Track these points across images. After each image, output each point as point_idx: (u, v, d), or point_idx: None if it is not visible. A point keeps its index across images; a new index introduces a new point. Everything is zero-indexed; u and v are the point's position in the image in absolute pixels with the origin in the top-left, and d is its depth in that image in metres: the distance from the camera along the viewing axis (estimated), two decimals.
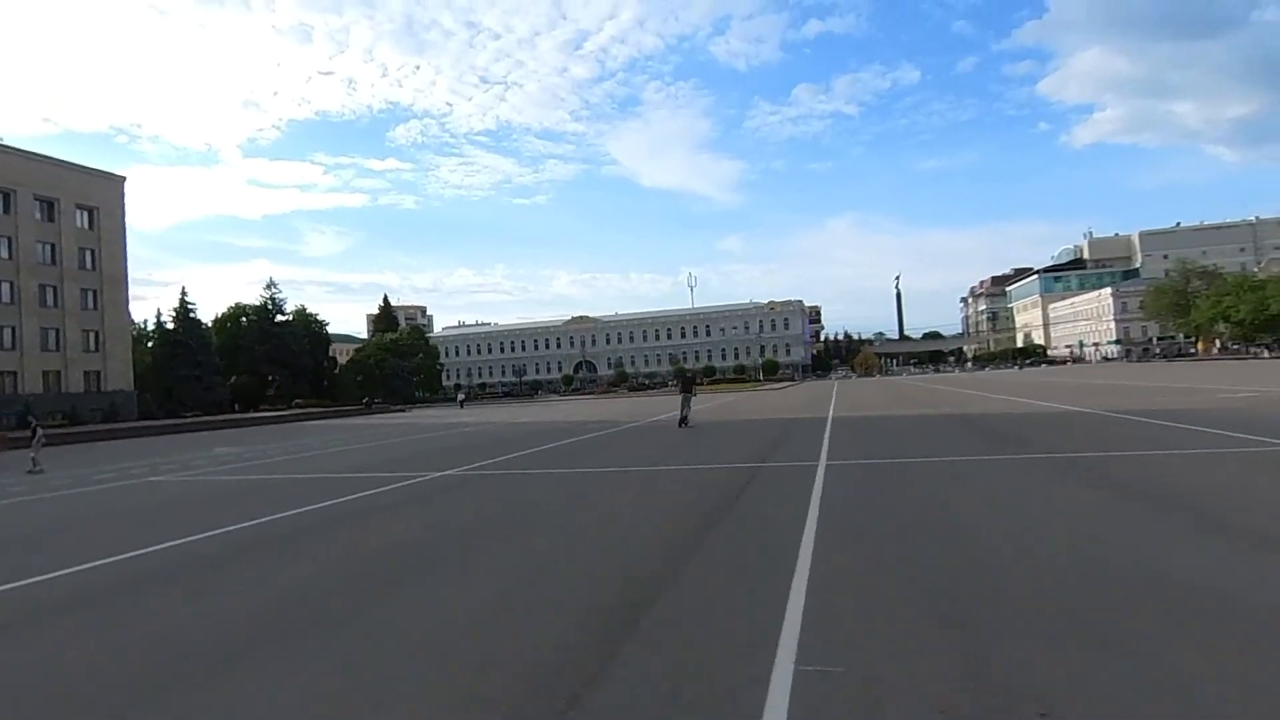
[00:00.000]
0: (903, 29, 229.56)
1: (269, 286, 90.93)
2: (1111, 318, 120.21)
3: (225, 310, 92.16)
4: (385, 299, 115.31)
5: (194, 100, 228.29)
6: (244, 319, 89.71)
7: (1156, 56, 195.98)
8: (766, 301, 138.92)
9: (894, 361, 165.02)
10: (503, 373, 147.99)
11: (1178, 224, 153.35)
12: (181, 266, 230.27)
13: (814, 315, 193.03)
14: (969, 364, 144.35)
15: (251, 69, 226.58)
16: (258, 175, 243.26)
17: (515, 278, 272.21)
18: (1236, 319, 64.42)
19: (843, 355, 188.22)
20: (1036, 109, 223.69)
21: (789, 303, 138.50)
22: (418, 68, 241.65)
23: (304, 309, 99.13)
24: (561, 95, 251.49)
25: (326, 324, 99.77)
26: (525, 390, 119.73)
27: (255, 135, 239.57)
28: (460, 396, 65.02)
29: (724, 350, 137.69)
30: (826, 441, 14.34)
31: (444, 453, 17.73)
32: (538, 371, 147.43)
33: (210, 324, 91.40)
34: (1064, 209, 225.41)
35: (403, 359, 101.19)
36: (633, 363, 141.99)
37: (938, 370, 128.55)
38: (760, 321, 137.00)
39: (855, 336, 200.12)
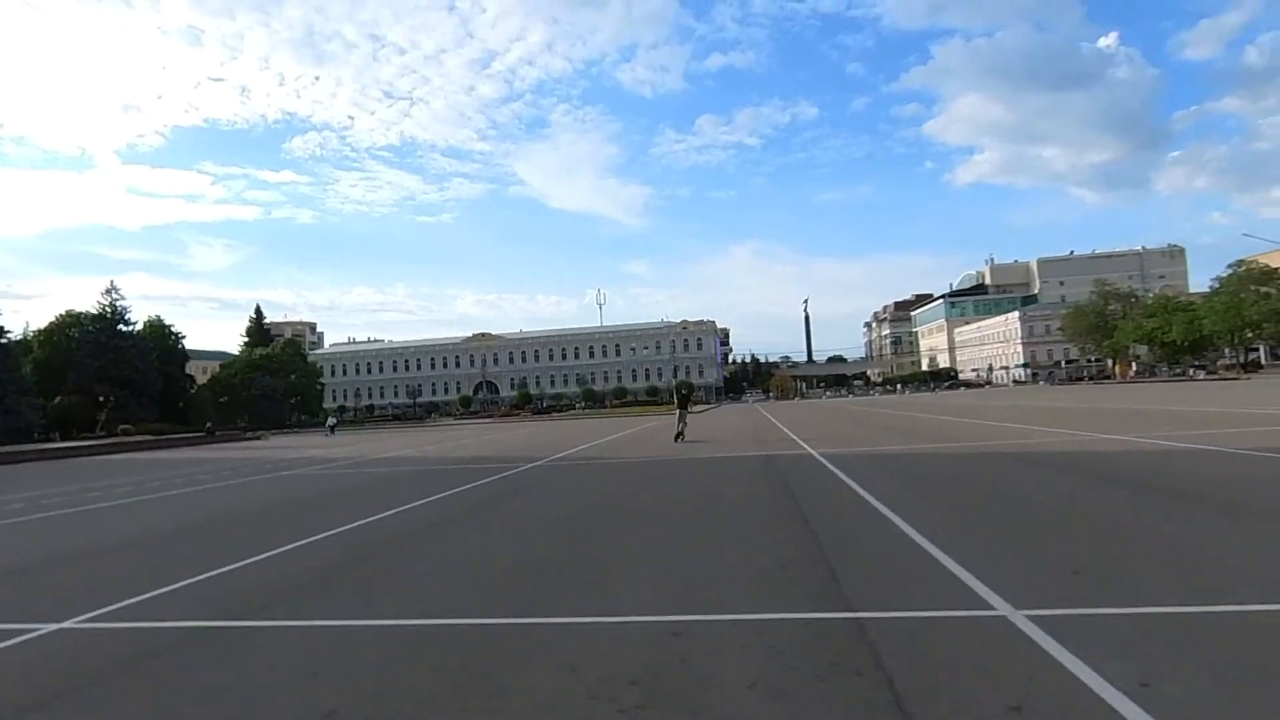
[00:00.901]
0: (801, 67, 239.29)
1: (108, 292, 77.19)
2: (1019, 341, 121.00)
3: (52, 320, 77.68)
4: (258, 310, 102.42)
5: (66, 101, 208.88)
6: (73, 330, 75.60)
7: (1027, 106, 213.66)
8: (679, 321, 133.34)
9: (804, 384, 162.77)
10: (396, 393, 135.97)
11: (1071, 252, 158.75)
12: (48, 277, 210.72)
13: (723, 337, 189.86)
14: (878, 387, 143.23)
15: (133, 71, 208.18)
16: (138, 183, 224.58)
17: (418, 297, 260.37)
18: (1167, 340, 63.12)
19: (751, 378, 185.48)
20: (923, 148, 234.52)
21: (702, 323, 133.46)
22: (317, 78, 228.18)
23: (159, 319, 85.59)
24: (468, 114, 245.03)
25: (183, 337, 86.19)
26: (419, 413, 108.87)
27: (136, 141, 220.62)
28: (330, 422, 54.94)
29: (635, 371, 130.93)
30: (916, 532, 6.82)
31: (176, 538, 9.30)
32: (435, 392, 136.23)
33: (35, 334, 77.16)
34: (949, 243, 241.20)
35: (275, 378, 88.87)
36: (538, 384, 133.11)
37: (850, 393, 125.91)
38: (673, 341, 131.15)
39: (763, 360, 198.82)
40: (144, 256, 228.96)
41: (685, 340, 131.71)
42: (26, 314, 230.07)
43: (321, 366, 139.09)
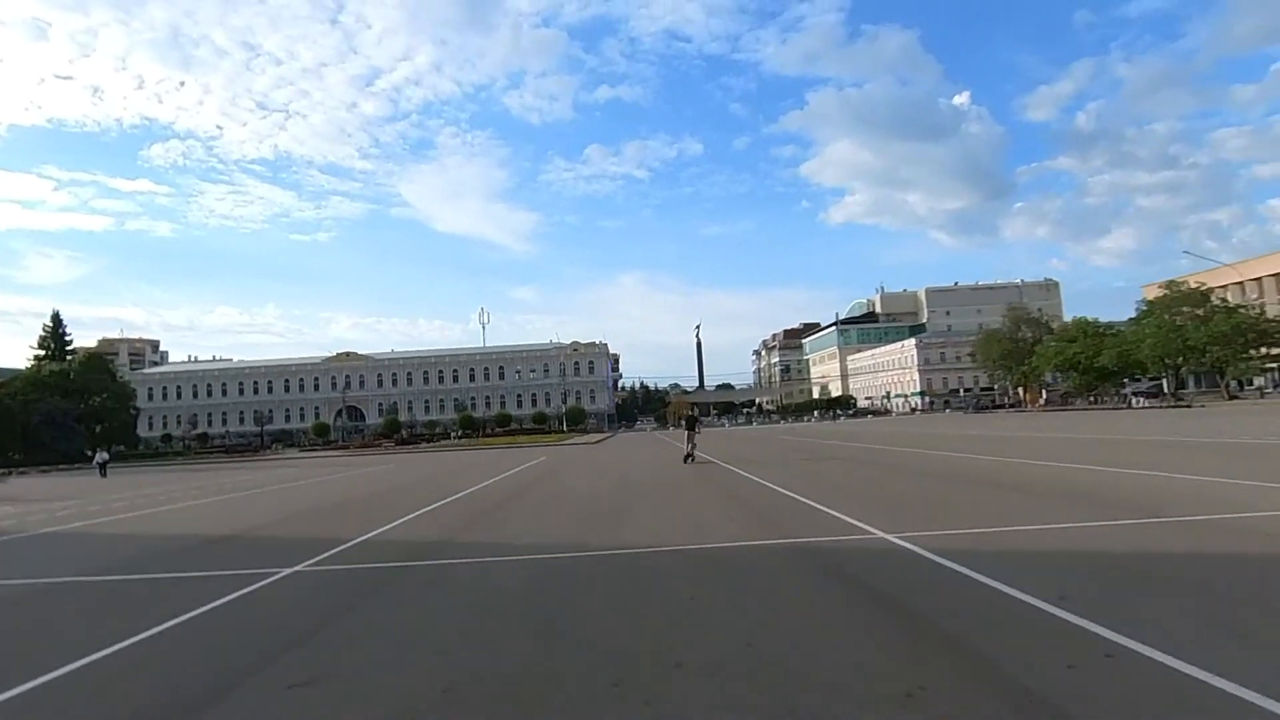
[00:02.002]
0: (686, 104, 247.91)
1: None
2: (916, 368, 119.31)
3: None
4: (55, 317, 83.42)
5: None
6: None
7: (893, 153, 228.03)
8: (569, 342, 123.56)
9: (697, 411, 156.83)
10: (243, 420, 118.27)
11: (956, 283, 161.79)
12: None
13: (614, 363, 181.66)
14: (773, 416, 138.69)
15: None
16: None
17: (289, 319, 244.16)
18: (1095, 365, 59.86)
19: (641, 406, 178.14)
20: (800, 188, 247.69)
21: (594, 345, 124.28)
22: (182, 83, 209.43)
23: None
24: (349, 131, 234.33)
25: None
26: (264, 443, 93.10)
27: None
28: (99, 459, 41.28)
29: (520, 396, 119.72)
30: None
31: None
32: (289, 419, 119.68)
33: None
34: (824, 278, 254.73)
35: (69, 400, 71.91)
36: (410, 409, 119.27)
37: (751, 420, 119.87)
38: (562, 364, 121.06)
39: (652, 387, 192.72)
40: None
41: (576, 363, 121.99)
42: None
43: (150, 390, 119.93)
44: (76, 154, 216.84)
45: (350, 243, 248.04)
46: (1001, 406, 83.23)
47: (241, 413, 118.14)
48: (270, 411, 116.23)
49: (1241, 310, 51.00)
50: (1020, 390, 76.64)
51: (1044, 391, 75.19)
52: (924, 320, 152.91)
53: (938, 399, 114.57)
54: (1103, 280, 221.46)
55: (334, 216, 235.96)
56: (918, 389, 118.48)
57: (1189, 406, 44.66)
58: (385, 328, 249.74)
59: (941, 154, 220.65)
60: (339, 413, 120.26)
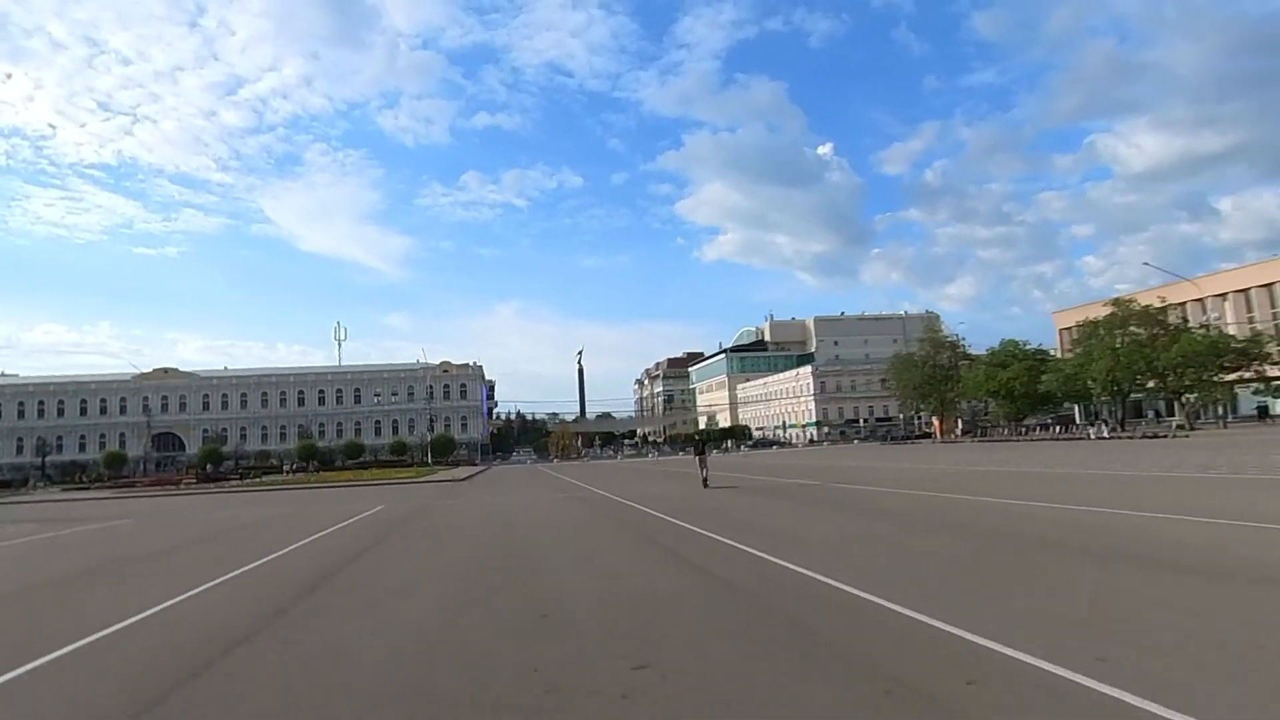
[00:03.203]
0: (567, 137, 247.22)
1: None
2: (811, 398, 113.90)
3: None
4: None
5: None
6: None
7: (762, 196, 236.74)
8: (439, 362, 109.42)
9: (580, 441, 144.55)
10: (19, 448, 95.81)
11: (842, 313, 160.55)
12: None
13: (489, 389, 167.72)
14: (662, 446, 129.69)
15: None
16: None
17: (127, 339, 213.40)
18: (1037, 391, 54.44)
19: (518, 436, 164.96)
20: (676, 225, 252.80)
21: (467, 367, 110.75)
22: (9, 76, 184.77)
23: None
24: (206, 140, 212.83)
25: None
26: (45, 478, 73.46)
27: None
28: None
29: (379, 423, 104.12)
30: None
31: None
32: (86, 448, 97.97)
33: None
34: (698, 314, 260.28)
35: None
36: (243, 436, 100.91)
37: (637, 454, 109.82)
38: (430, 387, 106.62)
39: (530, 417, 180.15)
40: None
41: (446, 386, 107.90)
42: None
43: None
44: None
45: (203, 259, 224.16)
46: (909, 438, 77.73)
47: (20, 439, 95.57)
48: (60, 439, 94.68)
49: (1212, 328, 46.74)
50: (935, 420, 71.33)
51: (959, 421, 70.20)
52: (812, 349, 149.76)
53: (833, 429, 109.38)
54: (949, 322, 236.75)
55: (185, 230, 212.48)
56: (813, 419, 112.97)
57: (1165, 437, 38.77)
58: (239, 351, 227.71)
59: (807, 200, 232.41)
60: (150, 440, 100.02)
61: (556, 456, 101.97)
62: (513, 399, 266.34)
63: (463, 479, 41.91)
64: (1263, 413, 51.83)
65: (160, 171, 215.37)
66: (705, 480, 22.76)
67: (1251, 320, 51.68)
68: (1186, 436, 37.74)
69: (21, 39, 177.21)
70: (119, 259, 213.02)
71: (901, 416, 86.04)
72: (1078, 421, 64.29)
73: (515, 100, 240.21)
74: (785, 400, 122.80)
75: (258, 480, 48.67)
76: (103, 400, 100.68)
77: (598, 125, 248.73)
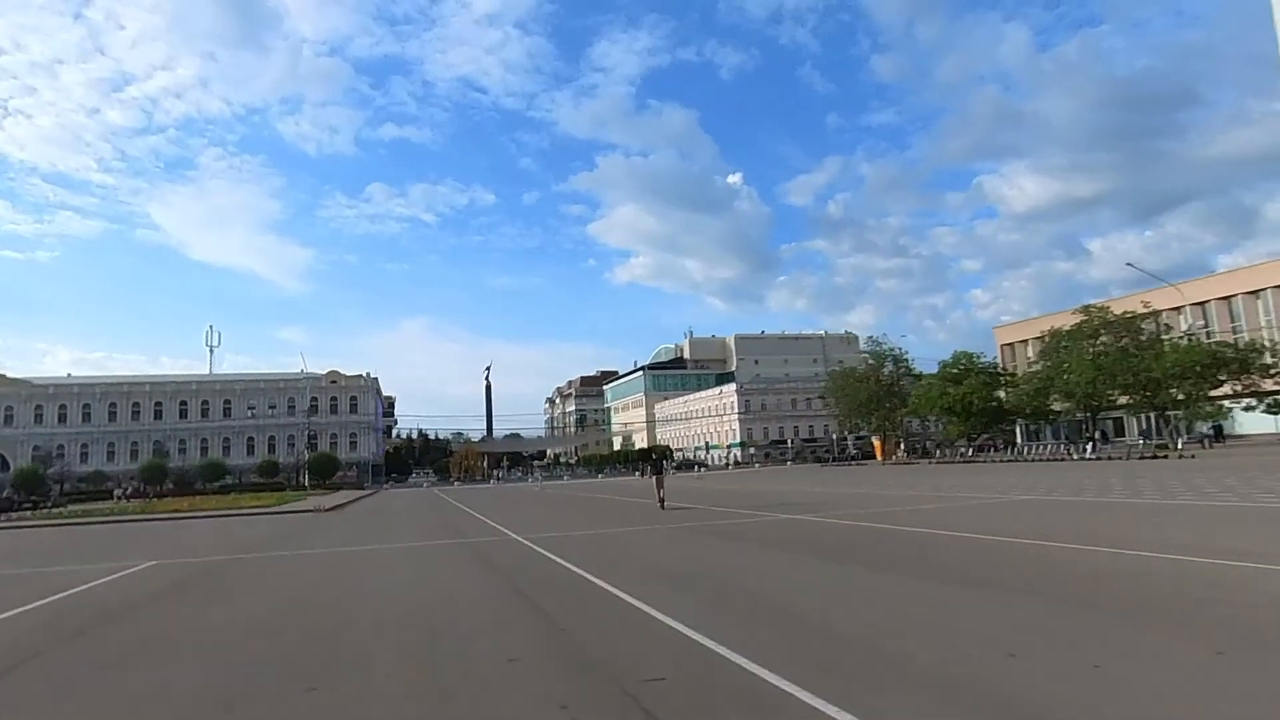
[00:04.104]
0: (479, 154, 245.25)
1: None
2: (735, 417, 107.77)
3: None
4: None
5: None
6: None
7: (674, 221, 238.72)
8: (326, 372, 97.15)
9: (486, 462, 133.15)
10: None
11: (763, 332, 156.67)
12: None
13: (388, 406, 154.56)
14: (576, 469, 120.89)
15: None
16: None
17: None
18: (999, 407, 49.30)
19: (418, 456, 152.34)
20: (588, 246, 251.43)
21: (360, 377, 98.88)
22: None
23: None
24: (88, 139, 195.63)
25: None
26: None
27: None
28: None
29: (254, 439, 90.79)
30: None
31: None
32: None
33: None
34: (611, 335, 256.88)
35: None
36: (84, 454, 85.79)
37: (546, 475, 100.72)
38: (315, 399, 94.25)
39: (433, 436, 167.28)
40: None
41: (334, 399, 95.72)
42: None
43: None
44: None
45: (79, 266, 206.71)
46: (851, 459, 72.06)
47: None
48: None
49: (1198, 337, 42.62)
50: (875, 440, 65.81)
51: (900, 442, 64.86)
52: (733, 368, 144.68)
53: (759, 449, 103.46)
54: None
55: (60, 234, 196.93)
56: (737, 439, 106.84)
57: (1164, 456, 33.63)
58: (116, 365, 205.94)
59: (717, 226, 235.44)
60: None
61: (458, 479, 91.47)
62: (418, 418, 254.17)
63: (328, 508, 32.32)
64: (1218, 433, 48.54)
65: (34, 170, 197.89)
66: (662, 501, 21.28)
67: (1235, 330, 48.59)
68: (1193, 457, 32.58)
69: None
70: None
71: (834, 437, 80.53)
72: (1018, 441, 60.16)
73: (425, 114, 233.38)
74: (707, 420, 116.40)
75: (50, 512, 37.18)
76: None
77: (511, 143, 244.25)
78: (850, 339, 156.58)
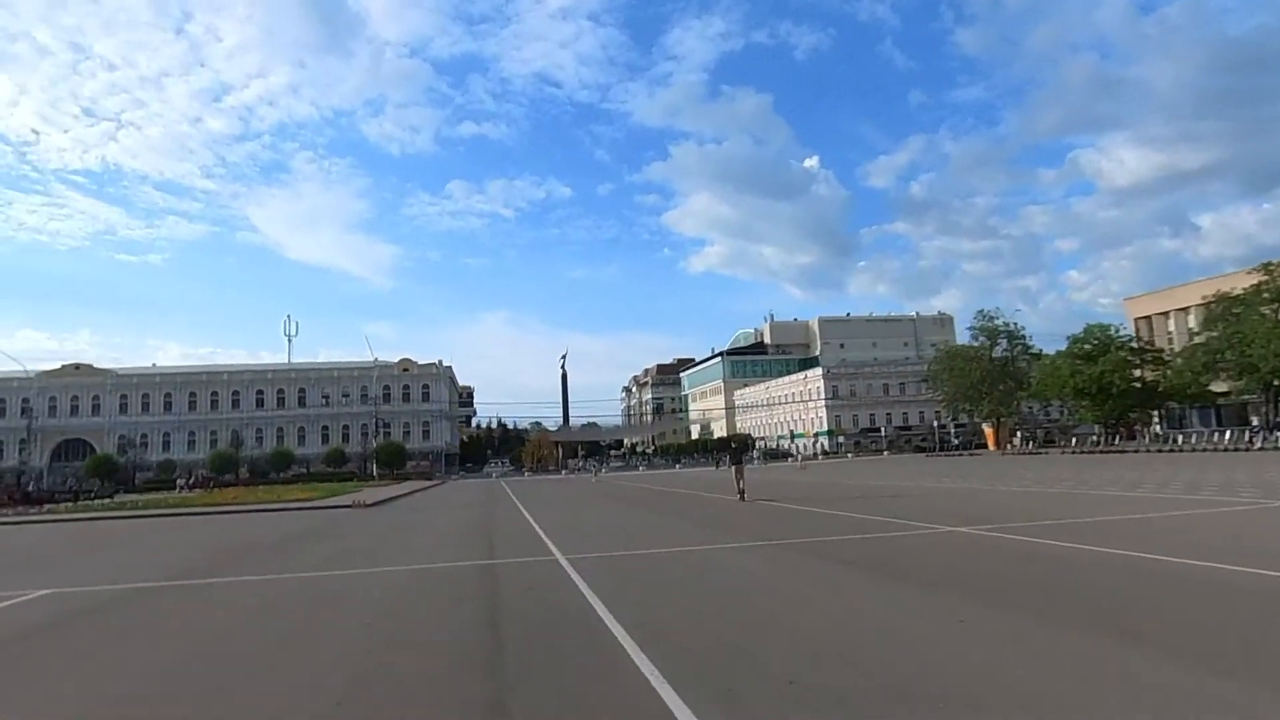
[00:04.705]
0: (555, 148, 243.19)
1: None
2: (821, 403, 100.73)
3: None
4: None
5: None
6: None
7: (749, 208, 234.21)
8: (397, 360, 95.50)
9: (561, 452, 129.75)
10: None
11: (848, 314, 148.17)
12: None
13: (466, 396, 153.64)
14: (653, 459, 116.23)
15: None
16: None
17: (107, 346, 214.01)
18: (1147, 388, 41.59)
19: (497, 445, 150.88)
20: (663, 236, 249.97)
21: (432, 366, 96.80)
22: None
23: None
24: (192, 147, 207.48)
25: None
26: None
27: None
28: None
29: (329, 428, 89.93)
30: None
31: None
32: (15, 452, 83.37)
33: None
34: (685, 325, 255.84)
35: None
36: (166, 443, 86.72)
37: (623, 465, 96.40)
38: (387, 388, 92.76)
39: (511, 426, 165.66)
40: None
41: (406, 387, 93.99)
42: None
43: None
44: None
45: (187, 267, 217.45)
46: (962, 448, 64.21)
47: None
48: None
49: None
50: (988, 427, 57.99)
51: (1016, 429, 56.96)
52: (816, 352, 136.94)
53: (848, 438, 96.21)
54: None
55: (169, 238, 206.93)
56: (824, 427, 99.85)
57: None
58: (221, 359, 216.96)
59: (793, 212, 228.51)
60: (60, 447, 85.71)
61: (529, 469, 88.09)
62: (498, 410, 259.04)
63: (370, 503, 28.31)
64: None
65: (145, 178, 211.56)
66: (742, 493, 19.82)
67: None
68: None
69: (6, 44, 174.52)
70: (101, 266, 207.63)
71: (935, 424, 72.70)
72: (1156, 428, 51.49)
73: (502, 110, 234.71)
74: (790, 406, 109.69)
75: (139, 500, 34.74)
76: (2, 401, 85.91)
77: (586, 136, 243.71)
78: (944, 320, 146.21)
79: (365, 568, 10.27)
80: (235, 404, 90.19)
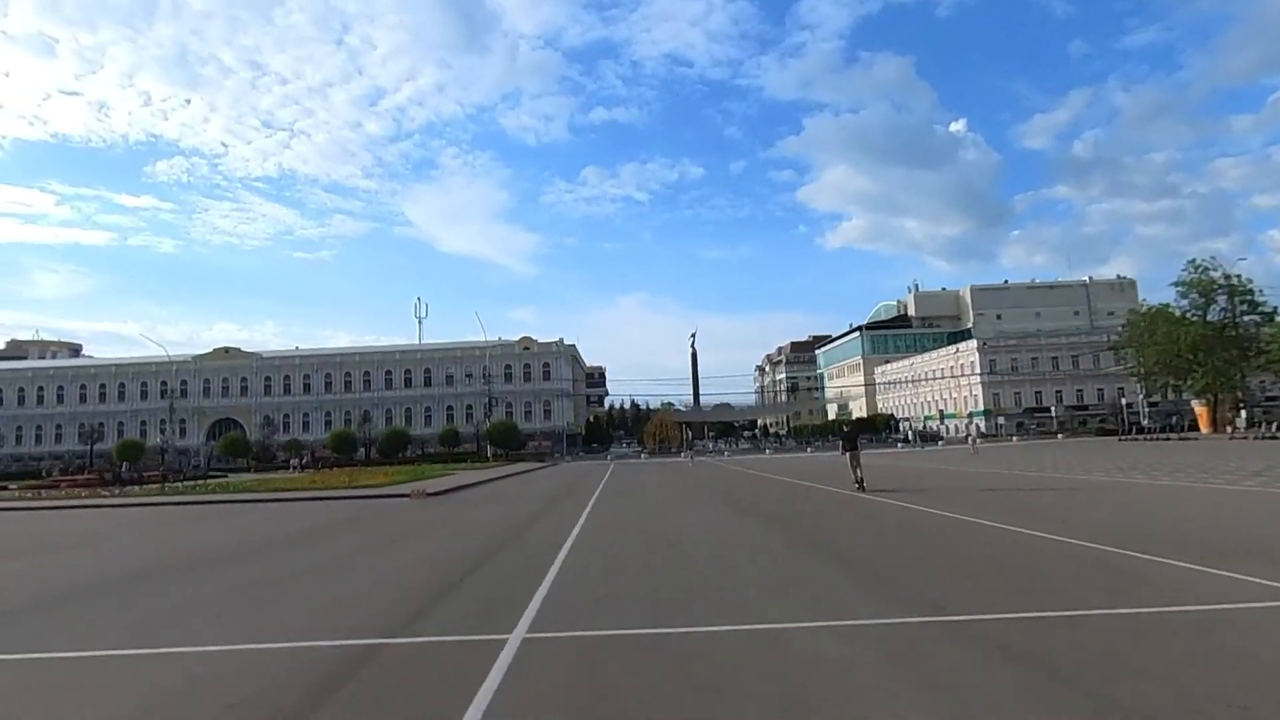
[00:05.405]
0: (686, 128, 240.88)
1: None
2: (976, 379, 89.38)
3: None
4: None
5: None
6: None
7: (890, 179, 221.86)
8: (518, 338, 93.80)
9: (689, 433, 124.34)
10: (61, 438, 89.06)
11: (1006, 282, 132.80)
12: None
13: (598, 376, 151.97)
14: (785, 440, 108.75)
15: None
16: None
17: (287, 335, 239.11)
18: None
19: (630, 426, 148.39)
20: (798, 213, 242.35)
21: (552, 343, 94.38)
22: (188, 101, 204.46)
23: None
24: (353, 150, 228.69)
25: None
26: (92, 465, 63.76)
27: None
28: None
29: (453, 408, 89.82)
30: None
31: None
32: (145, 433, 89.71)
33: None
34: (822, 303, 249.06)
35: None
36: (305, 423, 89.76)
37: (752, 448, 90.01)
38: (508, 367, 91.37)
39: (643, 406, 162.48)
40: None
41: (528, 366, 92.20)
42: None
43: None
44: (80, 169, 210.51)
45: (352, 261, 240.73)
46: (1166, 431, 52.37)
47: (60, 427, 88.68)
48: (102, 425, 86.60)
49: None
50: (1200, 406, 46.67)
51: (1240, 407, 45.29)
52: (968, 324, 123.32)
53: (1009, 419, 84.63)
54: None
55: (336, 235, 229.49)
56: (980, 407, 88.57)
57: None
58: (385, 346, 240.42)
59: (938, 180, 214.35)
60: (214, 427, 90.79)
61: (649, 450, 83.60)
62: (633, 391, 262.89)
63: (433, 493, 24.30)
64: None
65: (315, 181, 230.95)
66: (861, 482, 17.19)
67: None
68: None
69: (198, 67, 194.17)
70: (281, 263, 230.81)
71: (1121, 403, 60.61)
72: None
73: (634, 94, 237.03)
74: (938, 384, 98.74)
75: (262, 478, 33.31)
76: (163, 383, 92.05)
77: (717, 114, 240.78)
78: (1124, 285, 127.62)
79: (173, 644, 5.33)
80: (367, 384, 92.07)
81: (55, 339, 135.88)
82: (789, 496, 17.83)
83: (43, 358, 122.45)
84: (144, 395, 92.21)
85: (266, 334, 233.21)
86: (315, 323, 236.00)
